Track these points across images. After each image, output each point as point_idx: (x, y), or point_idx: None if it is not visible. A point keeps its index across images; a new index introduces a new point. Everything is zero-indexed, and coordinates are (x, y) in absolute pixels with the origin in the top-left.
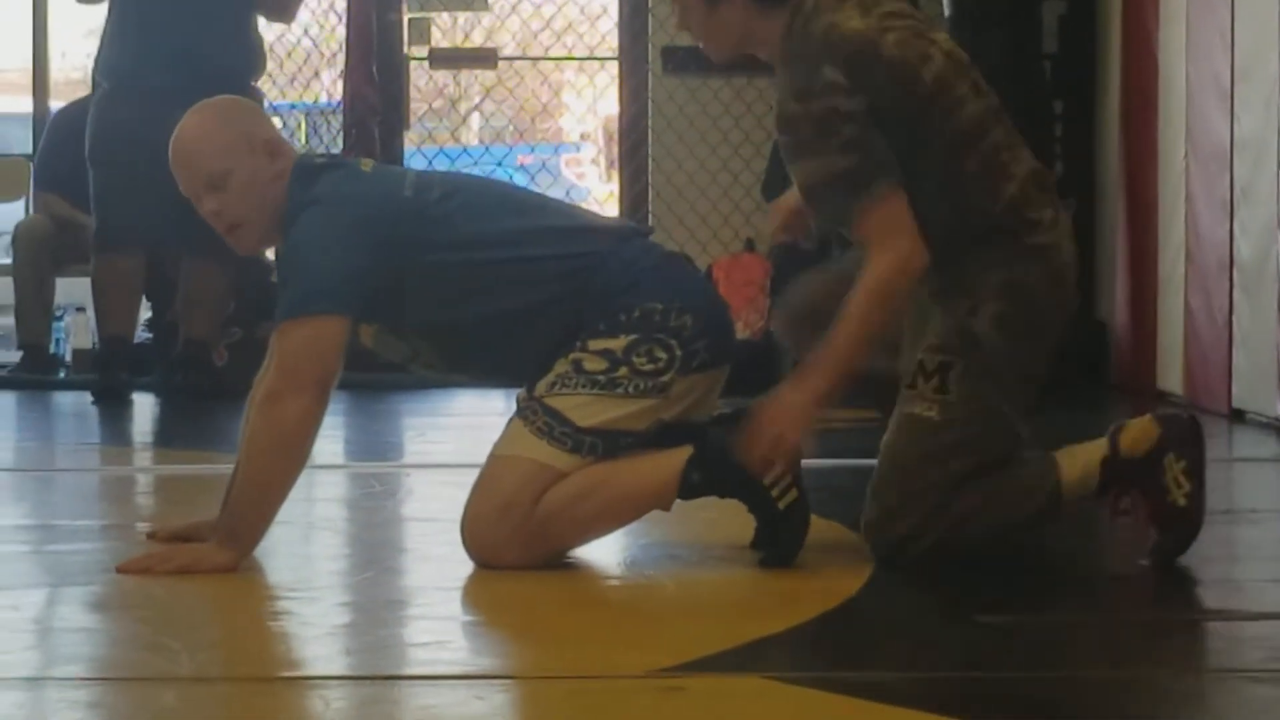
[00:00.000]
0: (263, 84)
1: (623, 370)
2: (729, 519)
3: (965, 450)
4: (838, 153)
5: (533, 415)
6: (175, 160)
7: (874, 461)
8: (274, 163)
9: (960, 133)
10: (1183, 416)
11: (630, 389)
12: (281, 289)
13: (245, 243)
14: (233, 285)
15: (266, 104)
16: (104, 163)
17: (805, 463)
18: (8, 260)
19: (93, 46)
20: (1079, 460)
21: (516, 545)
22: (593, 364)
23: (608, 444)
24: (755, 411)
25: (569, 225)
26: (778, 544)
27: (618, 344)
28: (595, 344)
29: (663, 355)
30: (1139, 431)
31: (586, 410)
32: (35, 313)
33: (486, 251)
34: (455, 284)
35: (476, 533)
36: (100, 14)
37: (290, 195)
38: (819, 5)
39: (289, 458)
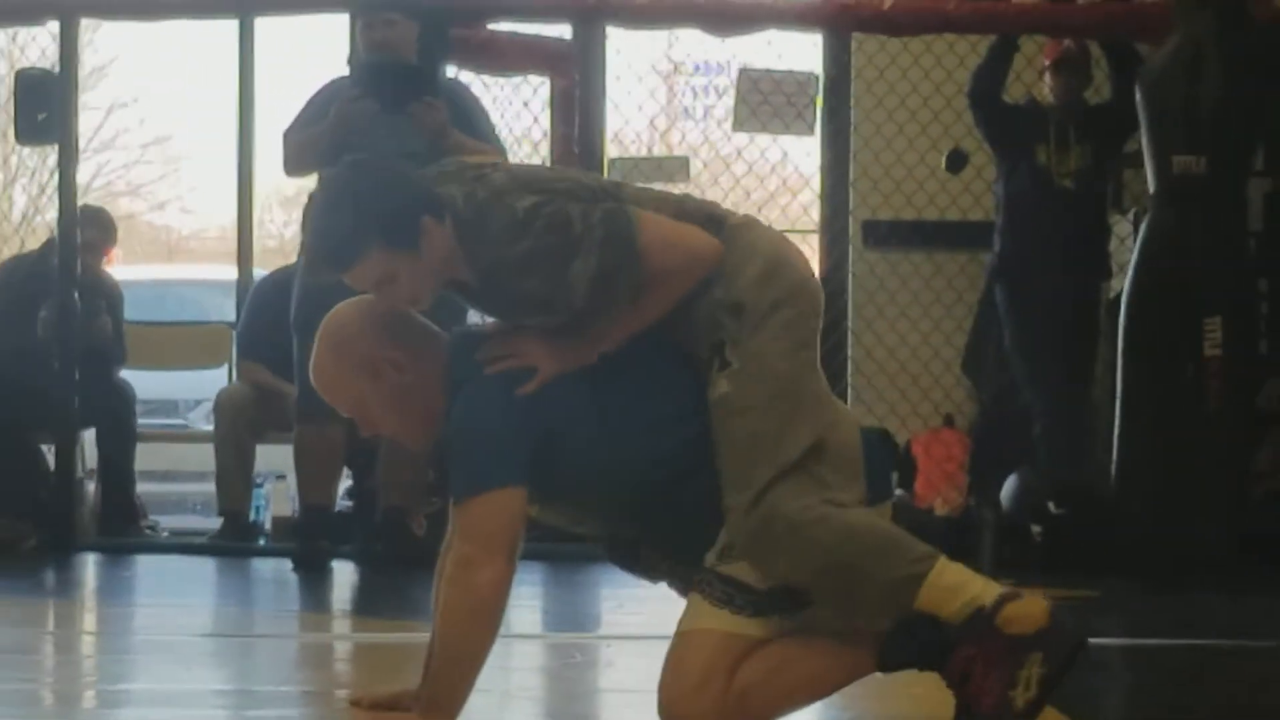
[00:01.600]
0: None
1: None
2: (931, 693)
3: (778, 409)
4: (585, 232)
5: (709, 587)
6: None
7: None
8: (404, 373)
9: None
10: (1073, 626)
11: None
12: (452, 466)
13: (414, 446)
14: (432, 455)
15: None
16: (309, 329)
17: None
18: (210, 427)
19: (289, 215)
20: (963, 579)
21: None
22: None
23: (790, 601)
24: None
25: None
26: (979, 718)
27: None
28: None
29: None
30: (1026, 610)
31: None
32: (236, 480)
33: (631, 423)
34: (604, 454)
35: (674, 711)
36: (300, 184)
37: (451, 372)
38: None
39: (485, 624)
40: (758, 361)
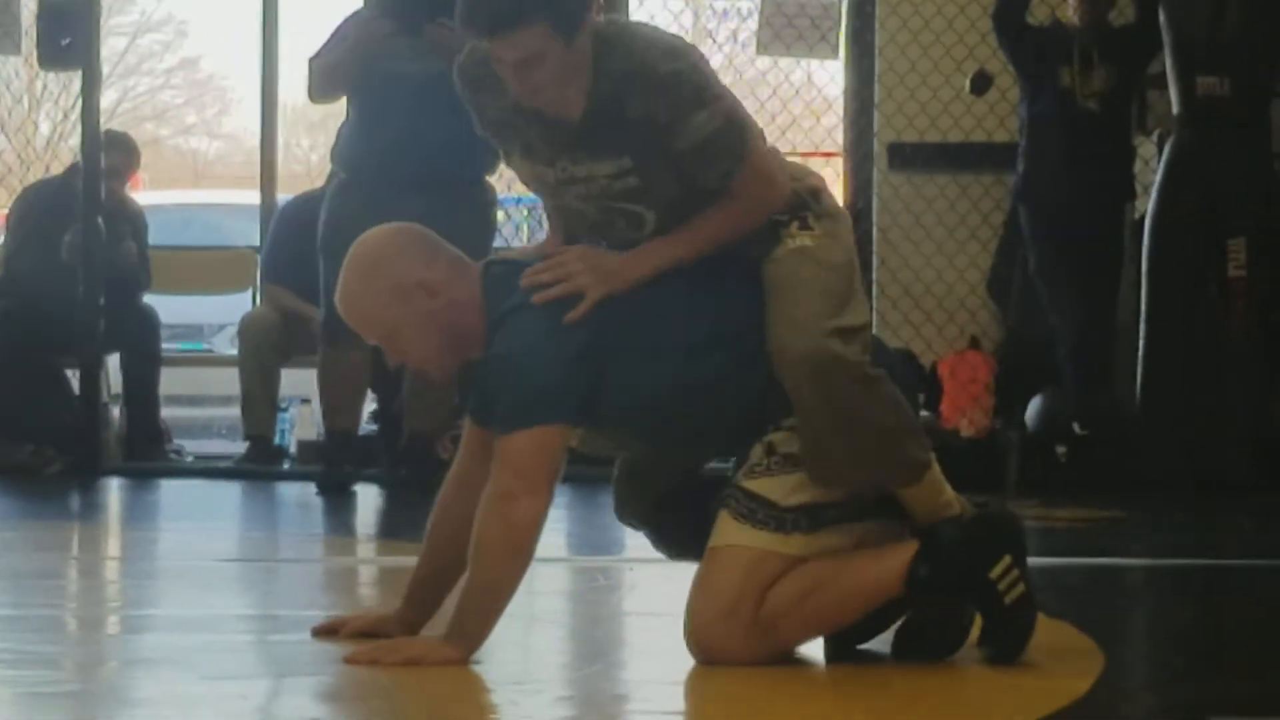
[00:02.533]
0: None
1: None
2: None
3: (847, 281)
4: (718, 99)
5: (734, 502)
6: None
7: (1104, 560)
8: (436, 298)
9: None
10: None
11: None
12: (496, 397)
13: (440, 375)
14: (457, 379)
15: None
16: (336, 253)
17: (1032, 561)
18: (234, 351)
19: (315, 140)
20: (940, 478)
21: (743, 646)
22: (785, 444)
23: (811, 519)
24: (568, 249)
25: (750, 305)
26: (1003, 639)
27: None
28: (787, 421)
29: None
30: None
31: (784, 489)
32: (260, 404)
33: (677, 341)
34: (651, 377)
35: (702, 637)
36: (326, 109)
37: (488, 305)
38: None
39: (520, 558)
40: (834, 236)
